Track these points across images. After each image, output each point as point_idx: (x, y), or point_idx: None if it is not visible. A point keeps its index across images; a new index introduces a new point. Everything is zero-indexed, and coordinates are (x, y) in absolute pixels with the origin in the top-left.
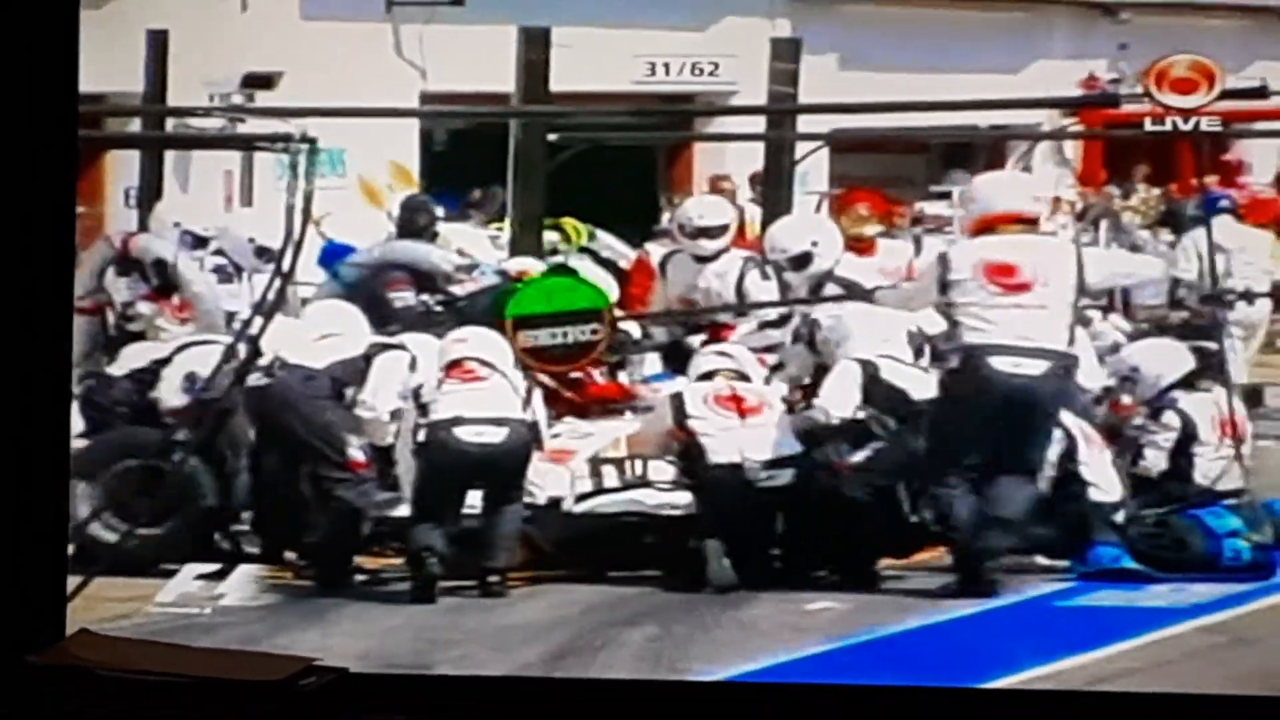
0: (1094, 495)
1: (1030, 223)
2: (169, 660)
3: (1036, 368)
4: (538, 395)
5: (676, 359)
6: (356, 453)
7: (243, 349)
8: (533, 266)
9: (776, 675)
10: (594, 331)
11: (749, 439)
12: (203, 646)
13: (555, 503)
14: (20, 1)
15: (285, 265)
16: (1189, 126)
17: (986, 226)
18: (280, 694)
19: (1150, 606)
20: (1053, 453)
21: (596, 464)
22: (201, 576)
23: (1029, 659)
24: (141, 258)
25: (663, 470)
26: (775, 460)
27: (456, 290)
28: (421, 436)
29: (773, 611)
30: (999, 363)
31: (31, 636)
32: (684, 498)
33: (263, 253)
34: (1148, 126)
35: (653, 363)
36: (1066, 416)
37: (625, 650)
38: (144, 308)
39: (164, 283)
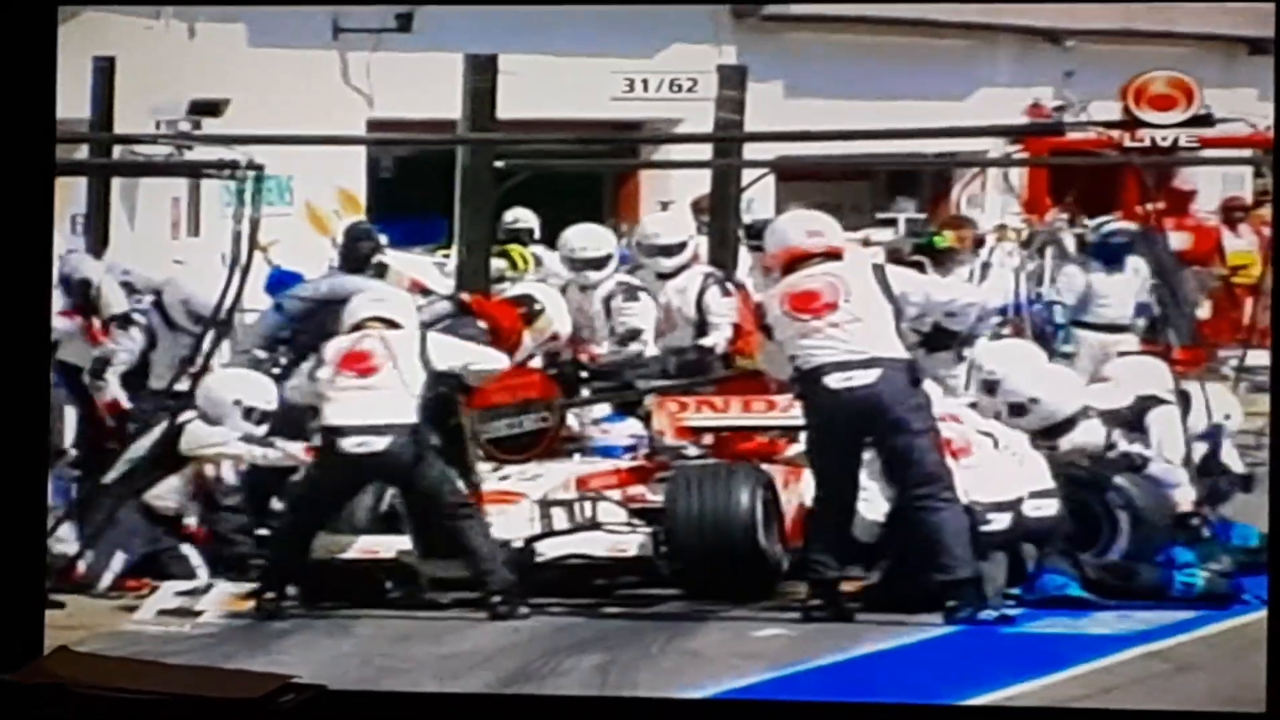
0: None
1: (827, 256)
2: (148, 678)
3: (869, 376)
4: None
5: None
6: None
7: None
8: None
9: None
10: (544, 419)
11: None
12: (181, 664)
13: (504, 544)
14: None
15: (232, 293)
16: (1167, 143)
17: (787, 264)
18: (259, 711)
19: (1096, 634)
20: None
21: (546, 506)
22: (180, 594)
23: (976, 686)
24: (69, 275)
25: (613, 512)
26: None
27: None
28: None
29: (720, 639)
30: (832, 380)
31: (9, 654)
32: (635, 540)
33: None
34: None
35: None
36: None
37: (571, 677)
38: (60, 323)
39: (86, 303)
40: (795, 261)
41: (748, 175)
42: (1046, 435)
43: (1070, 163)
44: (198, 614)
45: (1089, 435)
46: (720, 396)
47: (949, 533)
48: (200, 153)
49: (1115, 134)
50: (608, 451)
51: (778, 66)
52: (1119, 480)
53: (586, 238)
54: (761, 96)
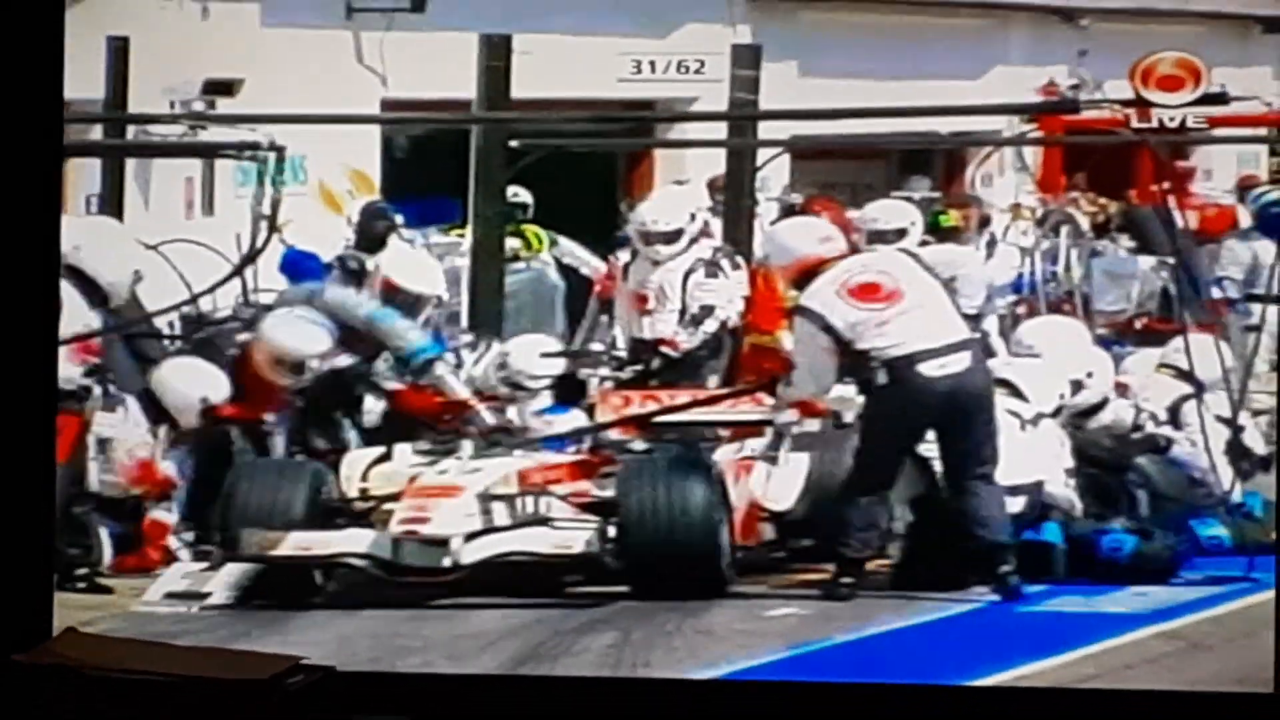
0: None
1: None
2: (155, 659)
3: (963, 361)
4: None
5: (568, 393)
6: None
7: None
8: None
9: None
10: None
11: None
12: (189, 645)
13: (444, 541)
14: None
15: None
16: (1175, 124)
17: (800, 274)
18: (267, 692)
19: (1109, 612)
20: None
21: (486, 500)
22: (187, 577)
23: (990, 664)
24: None
25: (557, 507)
26: None
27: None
28: None
29: (732, 618)
30: (927, 367)
31: (18, 636)
32: (581, 535)
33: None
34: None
35: (544, 398)
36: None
37: (584, 658)
38: None
39: None
40: (810, 269)
41: (762, 155)
42: (1078, 414)
43: (1085, 141)
44: (205, 595)
45: (1118, 415)
46: (665, 390)
47: (995, 504)
48: (215, 133)
49: (1129, 113)
50: (551, 444)
51: (792, 46)
52: (1140, 461)
53: (660, 210)
54: (776, 76)
